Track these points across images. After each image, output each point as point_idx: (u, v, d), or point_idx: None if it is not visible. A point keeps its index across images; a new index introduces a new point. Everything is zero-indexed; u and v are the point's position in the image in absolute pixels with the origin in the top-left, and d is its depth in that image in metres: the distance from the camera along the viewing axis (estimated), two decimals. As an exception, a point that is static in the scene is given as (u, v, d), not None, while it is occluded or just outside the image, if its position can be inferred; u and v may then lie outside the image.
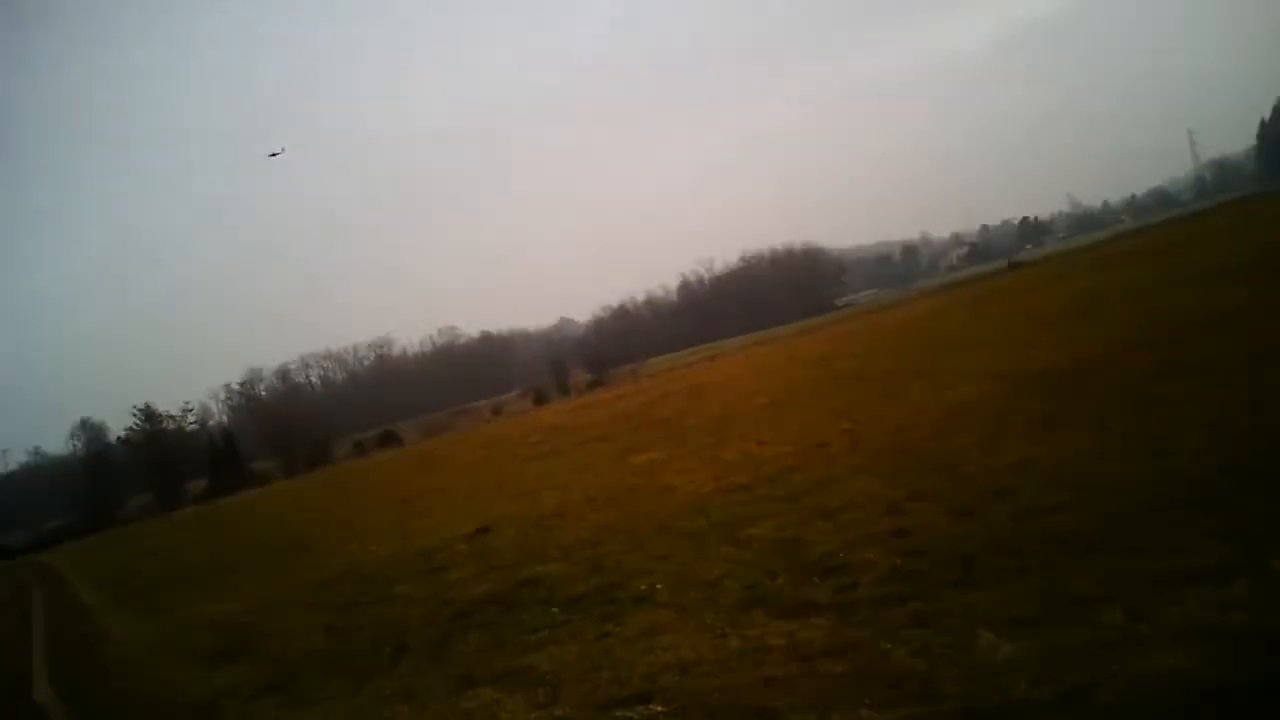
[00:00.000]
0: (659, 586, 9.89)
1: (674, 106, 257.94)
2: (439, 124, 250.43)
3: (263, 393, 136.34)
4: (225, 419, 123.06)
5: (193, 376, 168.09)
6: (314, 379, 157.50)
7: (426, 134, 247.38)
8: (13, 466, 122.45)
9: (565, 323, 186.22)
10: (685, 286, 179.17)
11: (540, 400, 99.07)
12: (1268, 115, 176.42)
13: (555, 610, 10.21)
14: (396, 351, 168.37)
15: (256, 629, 14.40)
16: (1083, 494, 8.88)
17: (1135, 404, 12.35)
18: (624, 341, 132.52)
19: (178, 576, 24.17)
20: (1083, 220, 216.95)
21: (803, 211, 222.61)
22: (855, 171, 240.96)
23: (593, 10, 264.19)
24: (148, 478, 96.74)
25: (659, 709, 6.65)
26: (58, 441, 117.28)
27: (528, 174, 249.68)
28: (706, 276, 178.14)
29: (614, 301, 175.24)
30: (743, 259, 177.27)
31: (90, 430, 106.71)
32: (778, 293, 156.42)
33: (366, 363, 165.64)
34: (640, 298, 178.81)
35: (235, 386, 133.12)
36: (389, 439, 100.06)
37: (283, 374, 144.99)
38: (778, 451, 16.88)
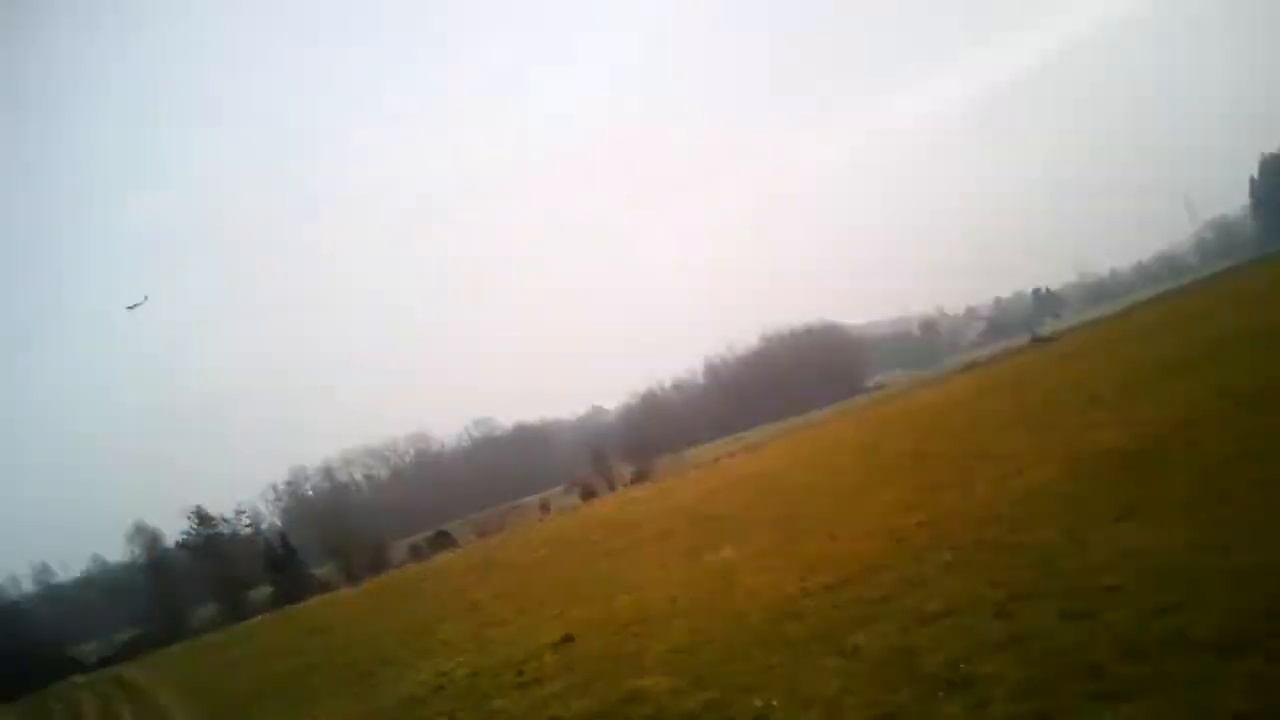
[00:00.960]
0: (774, 703, 9.83)
1: (678, 182, 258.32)
2: (441, 206, 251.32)
3: (310, 492, 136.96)
4: (277, 521, 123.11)
5: (235, 475, 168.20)
6: (358, 477, 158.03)
7: (433, 219, 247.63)
8: (75, 574, 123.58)
9: (597, 410, 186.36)
10: (711, 369, 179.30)
11: (588, 495, 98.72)
12: (1256, 173, 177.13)
13: (671, 730, 10.23)
14: (435, 446, 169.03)
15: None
16: (1197, 590, 8.83)
17: (1217, 488, 12.30)
18: (656, 429, 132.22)
19: (266, 691, 24.14)
20: (1094, 290, 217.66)
21: (817, 288, 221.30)
22: (864, 246, 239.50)
23: (591, 86, 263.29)
24: (210, 584, 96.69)
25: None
26: (113, 546, 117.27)
27: (540, 262, 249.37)
28: (730, 358, 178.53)
29: (642, 387, 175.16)
30: (763, 339, 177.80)
31: (146, 535, 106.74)
32: (803, 374, 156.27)
33: (407, 458, 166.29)
34: (668, 383, 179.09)
35: (282, 486, 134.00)
36: (443, 540, 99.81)
37: (327, 472, 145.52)
38: (855, 548, 16.83)
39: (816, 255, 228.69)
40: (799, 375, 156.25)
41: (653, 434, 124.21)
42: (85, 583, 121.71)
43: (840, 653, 10.82)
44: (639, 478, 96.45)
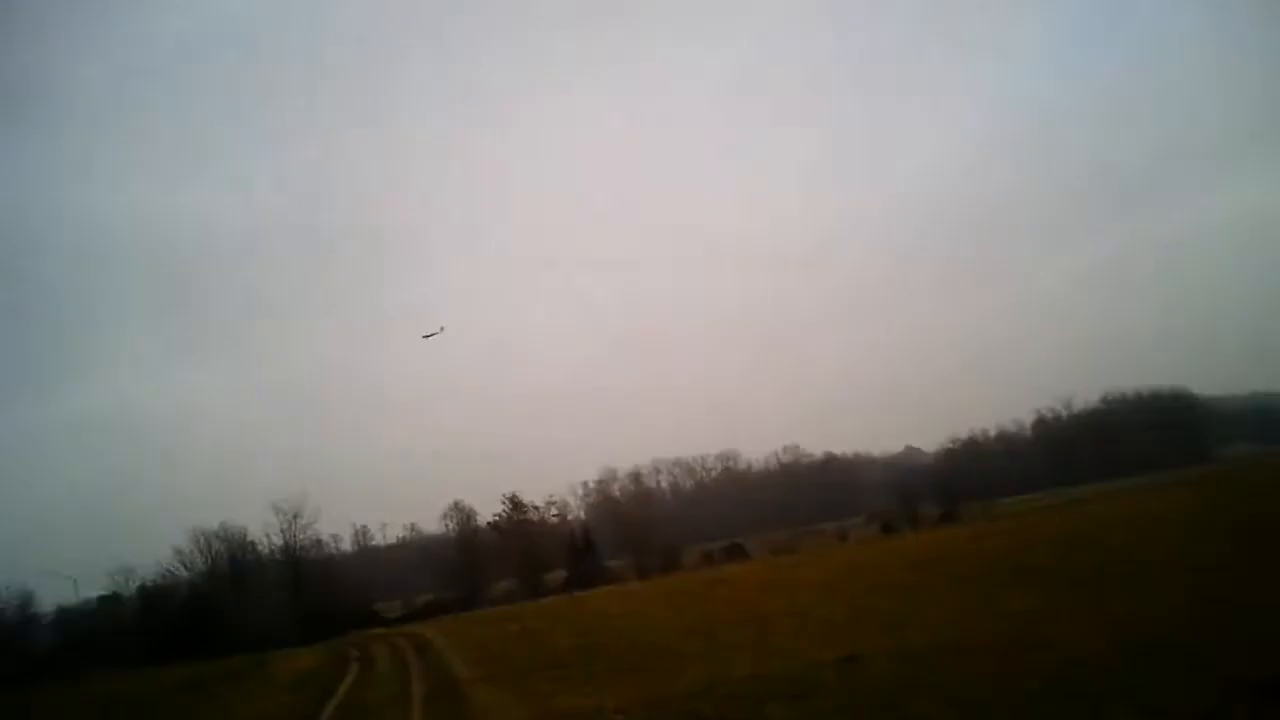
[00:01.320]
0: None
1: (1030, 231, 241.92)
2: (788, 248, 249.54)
3: (617, 492, 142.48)
4: (582, 514, 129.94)
5: (553, 469, 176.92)
6: (664, 484, 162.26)
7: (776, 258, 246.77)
8: (391, 540, 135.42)
9: (911, 451, 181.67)
10: (1040, 423, 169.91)
11: (888, 529, 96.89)
12: None
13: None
14: (742, 465, 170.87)
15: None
16: None
17: None
18: (974, 475, 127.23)
19: (547, 663, 25.15)
20: None
21: (1166, 352, 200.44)
22: (1231, 312, 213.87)
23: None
24: (512, 563, 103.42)
25: None
26: (429, 519, 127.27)
27: (868, 301, 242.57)
28: (1064, 414, 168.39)
29: (963, 433, 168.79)
30: (1104, 400, 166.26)
31: (463, 513, 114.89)
32: (1142, 438, 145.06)
33: (714, 473, 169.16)
34: (992, 431, 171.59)
35: (592, 484, 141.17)
36: (736, 551, 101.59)
37: (635, 476, 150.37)
38: (1170, 610, 15.80)
39: (1176, 316, 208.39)
40: (1136, 438, 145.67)
41: (967, 479, 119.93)
42: (398, 548, 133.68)
43: (1146, 711, 9.99)
44: (945, 519, 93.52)
